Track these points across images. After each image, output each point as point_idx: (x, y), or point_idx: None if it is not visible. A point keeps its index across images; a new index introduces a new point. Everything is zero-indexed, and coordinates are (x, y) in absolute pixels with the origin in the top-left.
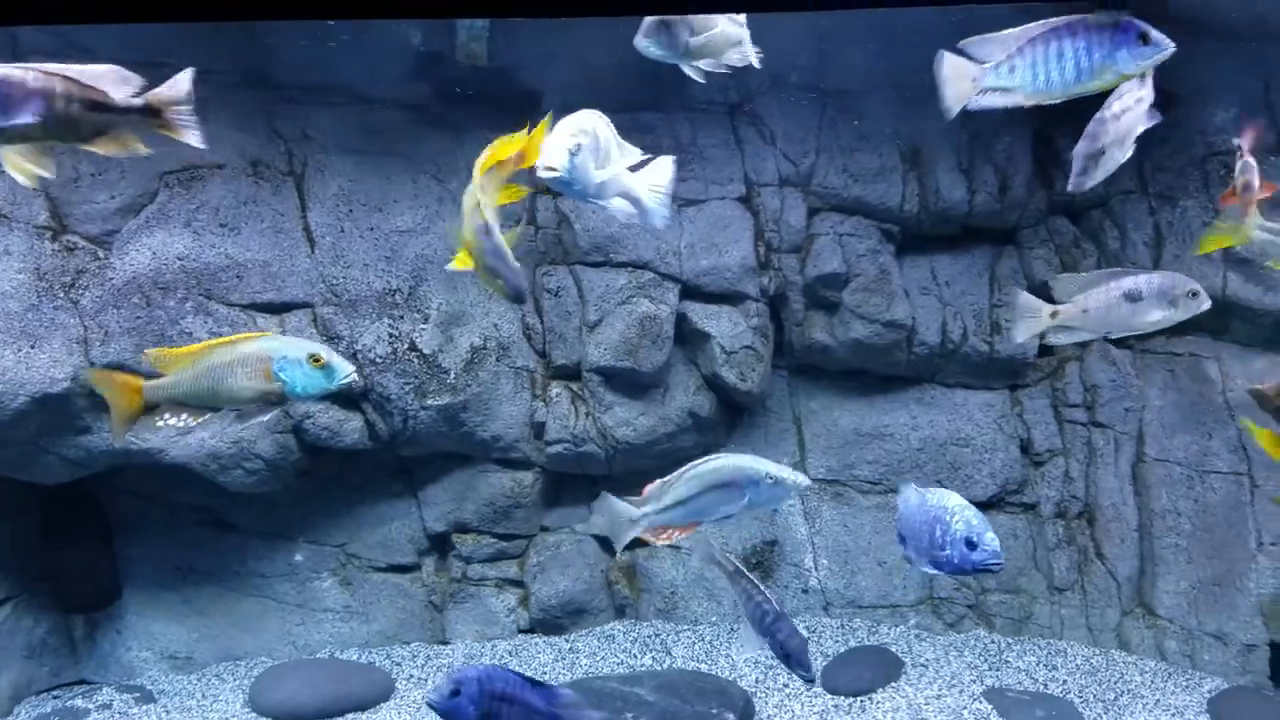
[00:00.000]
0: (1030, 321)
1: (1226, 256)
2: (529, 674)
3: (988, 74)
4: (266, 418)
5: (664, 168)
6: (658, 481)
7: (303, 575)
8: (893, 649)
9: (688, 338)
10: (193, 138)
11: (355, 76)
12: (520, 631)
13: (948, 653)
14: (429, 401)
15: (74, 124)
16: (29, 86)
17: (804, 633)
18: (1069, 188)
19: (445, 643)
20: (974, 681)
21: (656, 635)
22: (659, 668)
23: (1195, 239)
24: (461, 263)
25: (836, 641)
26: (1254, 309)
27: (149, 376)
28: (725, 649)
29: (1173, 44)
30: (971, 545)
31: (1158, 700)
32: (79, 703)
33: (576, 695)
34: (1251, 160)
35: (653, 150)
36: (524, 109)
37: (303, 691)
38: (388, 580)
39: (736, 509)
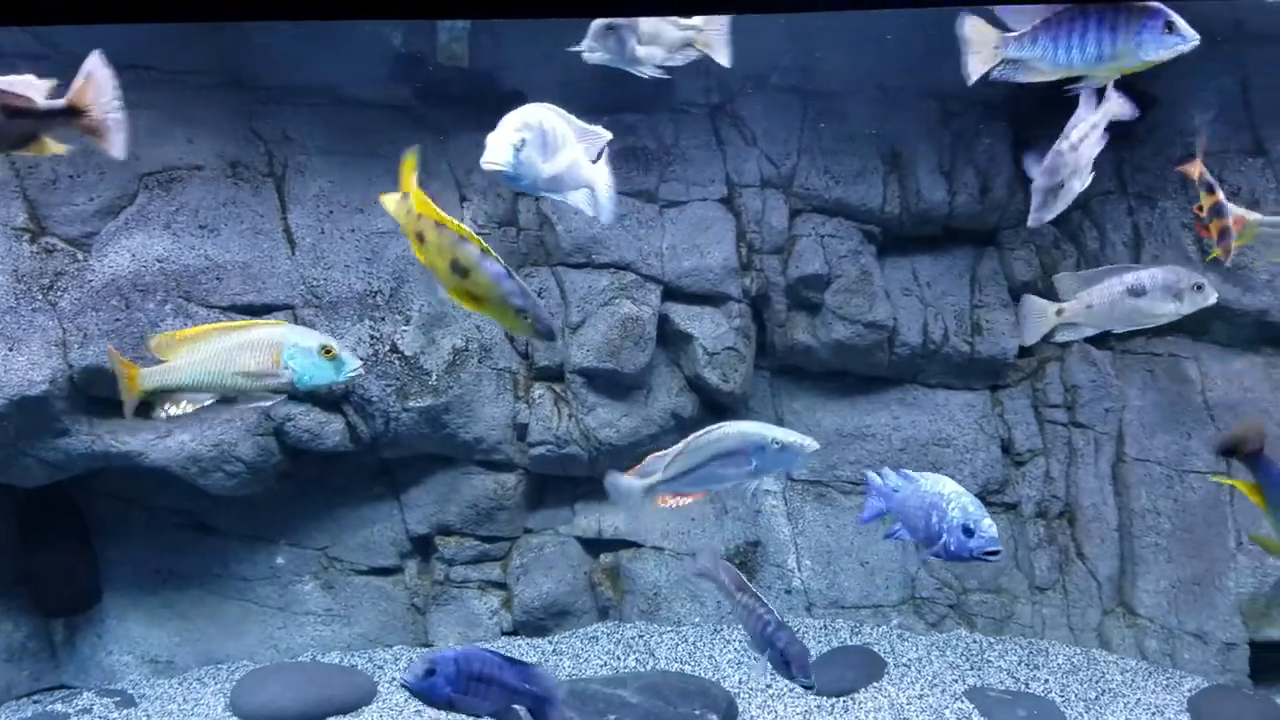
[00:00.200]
0: (1039, 321)
1: (1204, 256)
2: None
3: (1009, 43)
4: (267, 405)
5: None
6: (660, 452)
7: (284, 578)
8: (875, 649)
9: (670, 339)
10: (116, 142)
11: (336, 77)
12: (503, 634)
13: (930, 652)
14: (411, 403)
15: None
16: None
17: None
18: (1029, 224)
19: (428, 645)
20: (956, 681)
21: (640, 636)
22: (642, 669)
23: (1174, 239)
24: (469, 305)
25: (819, 642)
26: (1233, 309)
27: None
28: (709, 650)
29: (1198, 36)
30: (969, 532)
31: (1138, 699)
32: (59, 707)
33: (552, 675)
34: (1223, 199)
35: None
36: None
37: (285, 695)
38: (370, 583)
39: (745, 475)
